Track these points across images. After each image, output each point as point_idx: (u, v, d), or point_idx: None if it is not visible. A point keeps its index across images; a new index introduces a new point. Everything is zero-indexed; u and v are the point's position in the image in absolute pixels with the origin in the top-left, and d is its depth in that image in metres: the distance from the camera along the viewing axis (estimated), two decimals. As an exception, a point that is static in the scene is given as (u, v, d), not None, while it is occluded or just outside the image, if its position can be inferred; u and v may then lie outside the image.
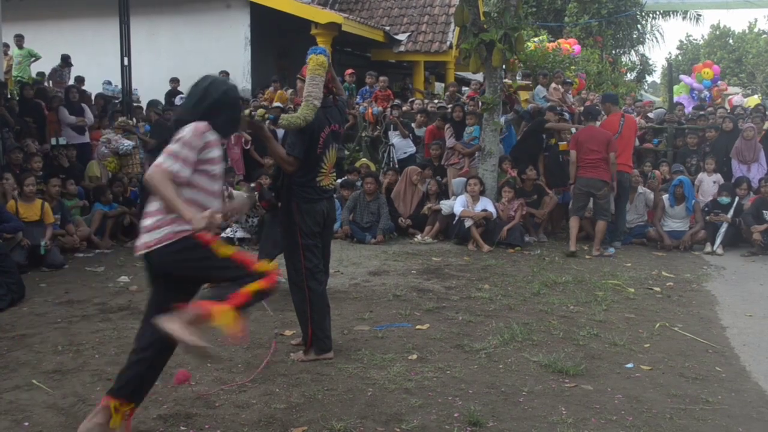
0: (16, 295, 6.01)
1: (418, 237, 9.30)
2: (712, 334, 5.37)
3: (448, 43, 16.38)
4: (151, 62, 13.44)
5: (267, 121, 4.40)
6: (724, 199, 9.14)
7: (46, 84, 12.91)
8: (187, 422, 3.60)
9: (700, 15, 27.83)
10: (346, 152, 11.72)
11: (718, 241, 8.91)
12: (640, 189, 9.37)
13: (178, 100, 9.63)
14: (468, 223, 8.76)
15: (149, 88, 12.83)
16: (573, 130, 9.86)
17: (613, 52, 26.49)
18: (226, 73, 13.32)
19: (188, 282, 3.37)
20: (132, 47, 11.24)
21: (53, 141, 10.34)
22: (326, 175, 4.56)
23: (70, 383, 4.14)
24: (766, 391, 4.20)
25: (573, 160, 8.66)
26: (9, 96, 10.83)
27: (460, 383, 4.18)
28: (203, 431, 3.54)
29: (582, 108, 10.63)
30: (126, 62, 11.02)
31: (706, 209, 9.22)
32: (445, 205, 9.33)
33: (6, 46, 12.45)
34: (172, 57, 13.93)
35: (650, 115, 13.69)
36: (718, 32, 45.71)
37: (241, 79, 13.82)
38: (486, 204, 8.94)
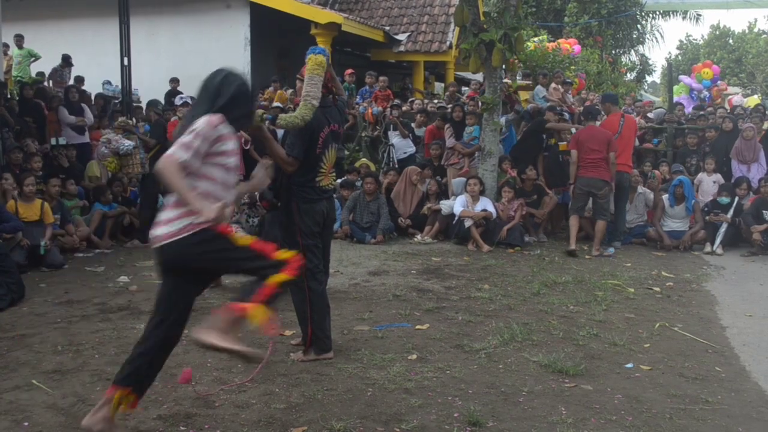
0: (16, 295, 6.01)
1: (418, 237, 9.30)
2: (712, 334, 5.37)
3: (448, 43, 16.38)
4: (150, 62, 13.44)
5: (266, 122, 4.40)
6: (724, 199, 9.14)
7: (46, 84, 12.91)
8: (187, 422, 3.60)
9: (700, 15, 27.86)
10: (346, 152, 11.72)
11: (718, 241, 8.91)
12: (640, 189, 9.37)
13: (177, 100, 9.60)
14: (468, 223, 8.76)
15: (149, 88, 12.83)
16: (573, 130, 9.86)
17: (613, 52, 26.50)
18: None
19: (205, 274, 3.37)
20: (132, 47, 11.23)
21: (53, 141, 10.35)
22: (326, 175, 4.56)
23: (69, 383, 4.14)
24: (766, 391, 4.20)
25: (574, 160, 8.66)
26: (9, 96, 10.83)
27: (459, 383, 4.18)
28: (203, 431, 3.54)
29: (582, 108, 10.64)
30: (126, 62, 11.01)
31: (706, 209, 9.22)
32: (444, 205, 9.33)
33: (6, 46, 12.45)
34: (172, 57, 13.92)
35: (650, 115, 13.71)
36: (717, 32, 45.74)
37: (241, 79, 13.80)
38: (486, 204, 8.94)
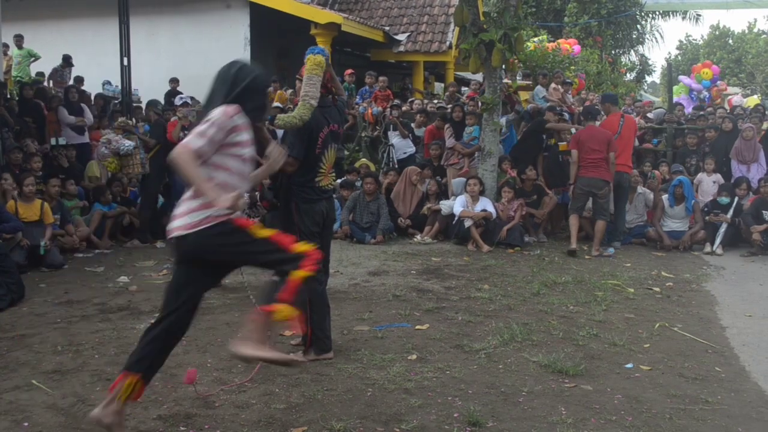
0: (16, 296, 6.01)
1: (418, 237, 9.30)
2: (712, 334, 5.37)
3: (448, 43, 16.38)
4: (150, 62, 13.43)
5: (265, 122, 4.40)
6: (724, 200, 9.14)
7: (47, 84, 12.90)
8: (186, 422, 3.60)
9: (699, 15, 27.90)
10: (346, 152, 11.72)
11: (718, 241, 8.91)
12: (640, 189, 9.37)
13: (177, 101, 9.60)
14: (468, 223, 8.76)
15: (149, 88, 12.83)
16: (572, 130, 9.87)
17: (613, 52, 26.51)
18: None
19: (222, 266, 3.35)
20: (132, 47, 11.24)
21: (53, 141, 10.35)
22: (325, 175, 4.56)
23: (69, 383, 4.14)
24: (766, 391, 4.20)
25: (574, 160, 8.65)
26: (8, 96, 10.83)
27: (459, 383, 4.18)
28: (203, 431, 3.54)
29: (581, 108, 10.64)
30: (126, 62, 11.01)
31: (706, 209, 9.23)
32: (444, 206, 9.33)
33: (5, 46, 12.45)
34: (172, 57, 13.92)
35: (650, 115, 13.71)
36: (717, 32, 45.76)
37: (241, 80, 13.81)
38: (485, 204, 8.94)
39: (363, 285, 6.69)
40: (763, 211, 8.81)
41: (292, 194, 4.49)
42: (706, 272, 7.75)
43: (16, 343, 4.90)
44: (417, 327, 5.32)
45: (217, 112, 3.17)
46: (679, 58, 46.32)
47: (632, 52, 29.45)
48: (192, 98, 10.48)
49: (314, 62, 4.40)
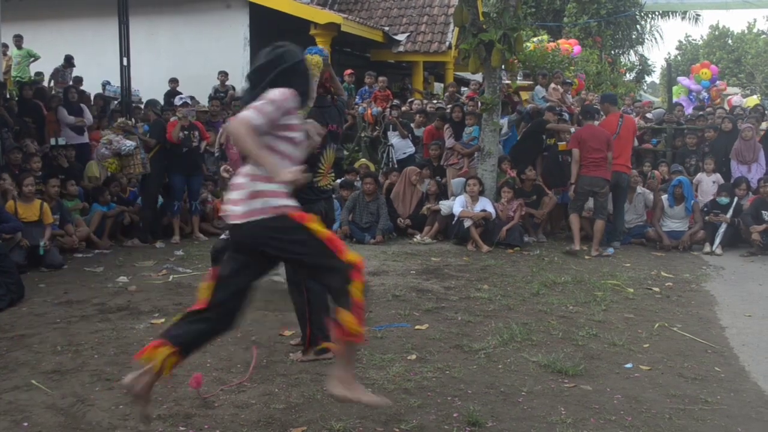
0: (16, 296, 6.01)
1: (418, 237, 9.30)
2: (711, 334, 5.37)
3: (447, 43, 16.39)
4: (150, 62, 13.43)
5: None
6: (723, 200, 9.14)
7: (49, 84, 12.89)
8: (186, 422, 3.60)
9: (699, 15, 27.92)
10: (346, 152, 11.72)
11: (717, 241, 8.91)
12: (639, 189, 9.38)
13: (177, 101, 9.60)
14: (467, 223, 8.77)
15: (149, 88, 12.83)
16: (572, 130, 9.87)
17: (612, 52, 26.52)
18: (225, 74, 13.41)
19: (273, 260, 3.27)
20: (131, 47, 11.23)
21: (52, 141, 10.34)
22: (324, 175, 4.55)
23: (69, 383, 4.14)
24: (765, 391, 4.20)
25: (576, 159, 8.64)
26: (8, 96, 10.83)
27: (459, 383, 4.18)
28: (203, 431, 3.54)
29: (581, 108, 10.65)
30: (125, 62, 11.01)
31: (705, 209, 9.23)
32: (444, 206, 9.33)
33: (5, 46, 12.45)
34: (172, 57, 13.92)
35: (649, 115, 13.71)
36: (717, 33, 45.80)
37: (240, 80, 13.79)
38: (485, 204, 8.94)
39: (362, 285, 6.68)
40: (763, 211, 8.82)
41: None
42: (705, 272, 7.75)
43: (16, 343, 4.90)
44: (416, 327, 5.32)
45: (277, 92, 3.13)
46: (679, 58, 46.34)
47: (632, 52, 29.49)
48: (192, 98, 10.49)
49: (311, 62, 4.40)
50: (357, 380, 3.18)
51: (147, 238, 8.88)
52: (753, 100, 20.30)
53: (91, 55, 13.78)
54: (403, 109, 11.98)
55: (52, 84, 12.96)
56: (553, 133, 10.18)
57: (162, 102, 12.02)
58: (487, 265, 7.70)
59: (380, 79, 12.54)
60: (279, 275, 5.12)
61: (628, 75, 26.26)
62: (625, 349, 4.89)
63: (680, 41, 50.19)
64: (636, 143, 10.51)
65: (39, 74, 13.52)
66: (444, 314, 5.69)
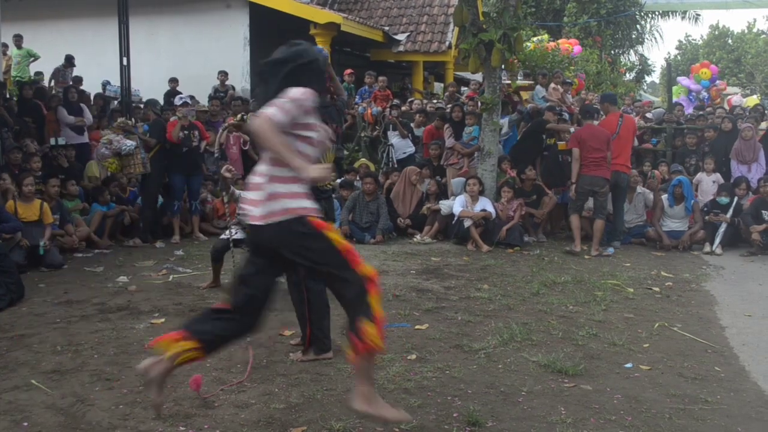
0: (15, 295, 6.01)
1: (417, 237, 9.30)
2: (711, 333, 5.37)
3: (447, 43, 16.39)
4: (150, 62, 13.43)
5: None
6: (723, 199, 9.14)
7: (50, 84, 12.90)
8: (186, 422, 3.60)
9: (699, 15, 27.91)
10: (346, 152, 11.73)
11: (717, 241, 8.91)
12: (639, 189, 9.38)
13: (177, 100, 9.61)
14: (467, 223, 8.77)
15: (149, 88, 12.84)
16: (572, 130, 9.87)
17: (612, 52, 26.52)
18: (225, 74, 13.41)
19: (289, 264, 3.24)
20: (131, 47, 11.24)
21: (52, 141, 10.34)
22: (324, 175, 4.54)
23: (69, 383, 4.14)
24: (765, 391, 4.20)
25: (576, 158, 8.63)
26: (8, 96, 10.83)
27: (459, 383, 4.18)
28: (203, 431, 3.53)
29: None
30: (125, 62, 11.01)
31: (705, 209, 9.23)
32: (444, 205, 9.33)
33: (5, 46, 12.45)
34: (172, 57, 13.93)
35: (649, 115, 13.73)
36: (717, 32, 45.79)
37: (240, 79, 13.84)
38: (485, 204, 8.94)
39: (362, 285, 6.68)
40: (763, 211, 8.82)
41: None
42: (705, 272, 7.75)
43: (16, 343, 4.90)
44: (416, 327, 5.32)
45: (298, 91, 3.12)
46: (679, 58, 46.35)
47: (632, 52, 29.48)
48: (192, 98, 10.48)
49: None
50: (377, 393, 3.17)
51: (147, 238, 8.88)
52: (753, 100, 20.30)
53: (91, 55, 13.78)
54: (403, 108, 11.98)
55: (52, 84, 12.97)
56: (553, 133, 10.19)
57: (162, 102, 12.03)
58: (487, 265, 7.70)
59: (380, 78, 12.54)
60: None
61: (628, 75, 26.27)
62: (625, 348, 4.89)
63: (680, 41, 50.24)
64: (636, 143, 10.52)
65: (39, 74, 13.53)
66: (444, 314, 5.69)
